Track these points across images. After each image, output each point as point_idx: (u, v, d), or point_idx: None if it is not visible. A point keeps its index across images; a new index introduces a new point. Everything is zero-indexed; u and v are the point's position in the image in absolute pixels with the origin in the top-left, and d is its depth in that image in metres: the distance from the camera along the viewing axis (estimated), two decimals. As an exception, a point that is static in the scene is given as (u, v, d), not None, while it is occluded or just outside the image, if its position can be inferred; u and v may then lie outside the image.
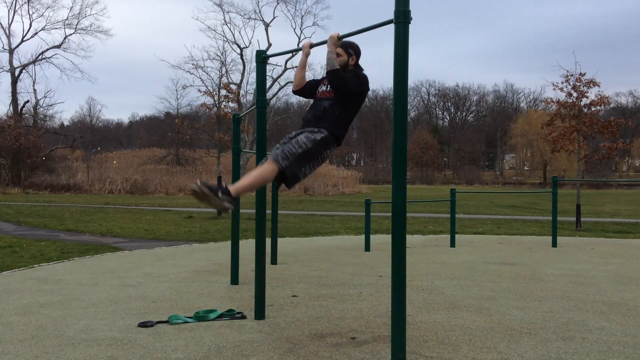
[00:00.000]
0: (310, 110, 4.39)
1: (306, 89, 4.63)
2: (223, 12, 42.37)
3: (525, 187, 59.99)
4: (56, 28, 54.18)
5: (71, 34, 51.35)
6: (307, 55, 4.65)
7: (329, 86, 4.37)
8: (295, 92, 4.67)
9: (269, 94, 36.17)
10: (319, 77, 4.66)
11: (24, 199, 27.54)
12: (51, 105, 57.74)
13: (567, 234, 14.74)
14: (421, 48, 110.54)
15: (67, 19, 45.85)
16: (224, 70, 38.63)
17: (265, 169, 4.07)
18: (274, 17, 42.82)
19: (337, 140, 4.27)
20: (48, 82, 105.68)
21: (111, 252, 10.01)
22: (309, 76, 4.79)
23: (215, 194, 3.72)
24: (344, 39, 4.38)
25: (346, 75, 4.27)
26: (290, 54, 29.44)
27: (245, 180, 4.04)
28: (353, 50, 4.43)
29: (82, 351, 4.07)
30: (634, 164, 78.56)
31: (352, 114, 4.37)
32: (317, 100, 4.42)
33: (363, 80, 4.36)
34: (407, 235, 3.82)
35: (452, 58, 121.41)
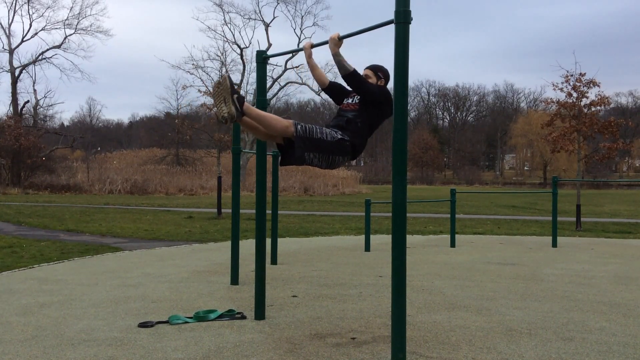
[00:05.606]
0: (334, 119, 4.42)
1: (333, 90, 4.65)
2: (223, 13, 42.60)
3: (525, 187, 59.95)
4: (56, 28, 54.11)
5: (71, 34, 51.31)
6: (309, 56, 4.66)
7: (354, 99, 4.40)
8: (323, 90, 4.70)
9: (269, 94, 36.21)
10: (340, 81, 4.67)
11: (24, 199, 27.53)
12: (51, 105, 57.75)
13: (567, 234, 14.74)
14: (421, 48, 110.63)
15: (67, 19, 45.87)
16: (224, 70, 38.65)
17: (282, 120, 4.09)
18: (274, 17, 43.00)
19: (353, 151, 4.27)
20: (48, 82, 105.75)
21: (111, 252, 10.01)
22: (330, 77, 4.83)
23: (232, 94, 3.88)
24: (374, 64, 4.48)
25: (366, 80, 4.34)
26: (290, 54, 29.45)
27: (261, 111, 4.14)
28: (382, 74, 4.47)
29: (82, 351, 4.07)
30: (634, 164, 78.51)
31: (373, 125, 4.37)
32: (341, 110, 4.45)
33: (385, 91, 4.38)
34: (407, 235, 3.82)
35: (452, 58, 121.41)
